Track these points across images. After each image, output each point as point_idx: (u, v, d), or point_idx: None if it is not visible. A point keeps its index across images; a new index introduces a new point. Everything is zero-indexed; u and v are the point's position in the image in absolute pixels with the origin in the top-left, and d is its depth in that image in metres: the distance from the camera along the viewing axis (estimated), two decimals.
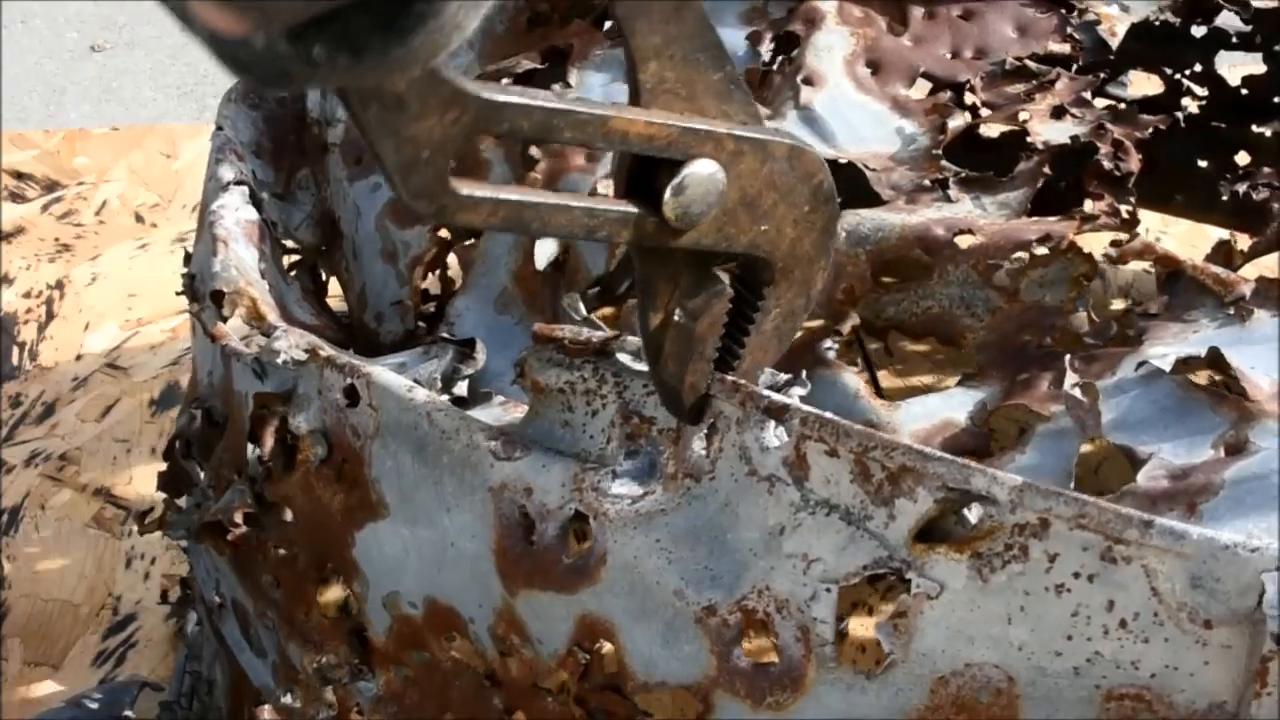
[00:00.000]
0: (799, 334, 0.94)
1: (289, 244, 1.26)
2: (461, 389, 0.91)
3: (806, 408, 0.73)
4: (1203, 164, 1.46)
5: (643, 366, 0.80)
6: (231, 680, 1.21)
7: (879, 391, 1.26)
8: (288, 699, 1.04)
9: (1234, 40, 1.30)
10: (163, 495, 1.16)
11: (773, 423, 0.74)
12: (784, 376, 0.77)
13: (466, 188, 0.60)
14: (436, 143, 0.57)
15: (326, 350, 0.90)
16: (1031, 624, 0.68)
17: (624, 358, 0.80)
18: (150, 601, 1.52)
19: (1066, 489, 0.77)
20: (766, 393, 0.75)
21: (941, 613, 0.69)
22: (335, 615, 0.96)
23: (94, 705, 1.14)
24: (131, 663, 1.45)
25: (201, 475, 1.09)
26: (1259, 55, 1.28)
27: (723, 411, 0.76)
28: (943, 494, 0.69)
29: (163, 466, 1.16)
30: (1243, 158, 1.44)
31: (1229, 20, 1.32)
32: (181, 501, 1.16)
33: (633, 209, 0.65)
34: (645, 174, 0.65)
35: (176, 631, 1.48)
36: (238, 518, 0.99)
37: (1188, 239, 1.78)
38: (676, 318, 0.71)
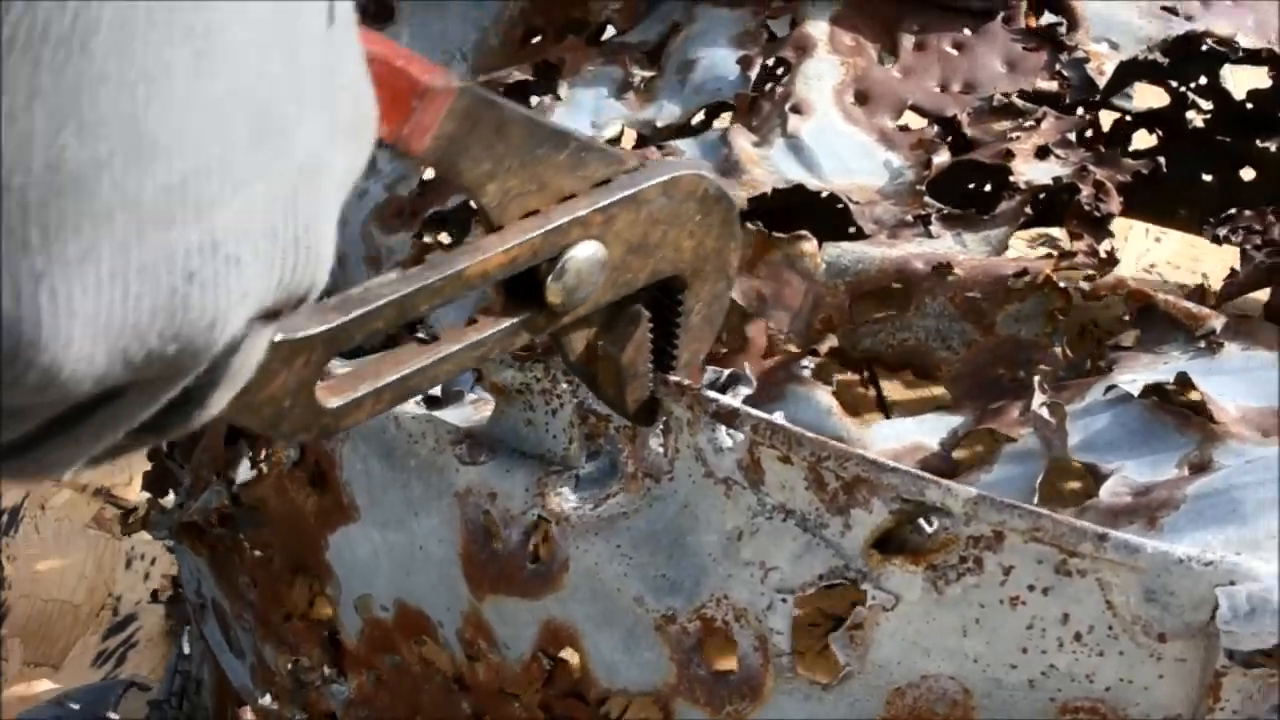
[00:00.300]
0: (778, 357, 0.95)
1: None
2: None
3: (757, 413, 0.73)
4: (1207, 178, 1.46)
5: None
6: (216, 680, 1.22)
7: (883, 404, 1.27)
8: (265, 700, 1.05)
9: (1239, 54, 1.30)
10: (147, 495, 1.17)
11: (723, 425, 0.75)
12: (726, 372, 0.77)
13: (337, 398, 0.59)
14: (294, 390, 0.56)
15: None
16: (987, 636, 0.68)
17: None
18: (169, 626, 1.52)
19: (1029, 503, 0.78)
20: (714, 395, 0.74)
21: (897, 624, 0.69)
22: (309, 618, 0.97)
23: (76, 705, 1.14)
24: (132, 663, 1.46)
25: (184, 475, 1.10)
26: (1264, 70, 1.28)
27: (673, 412, 0.76)
28: (898, 505, 0.69)
29: None
30: (1248, 173, 1.45)
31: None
32: (168, 500, 1.16)
33: (516, 319, 0.65)
34: (521, 276, 0.64)
35: (169, 630, 1.48)
36: (214, 518, 1.00)
37: (1183, 248, 1.77)
38: (600, 353, 0.71)
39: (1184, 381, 0.79)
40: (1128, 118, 1.48)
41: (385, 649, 0.90)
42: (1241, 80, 1.40)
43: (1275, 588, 0.61)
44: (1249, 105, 1.38)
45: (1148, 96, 1.49)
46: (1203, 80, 1.41)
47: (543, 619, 0.80)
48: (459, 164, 0.61)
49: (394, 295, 0.58)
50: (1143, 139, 1.51)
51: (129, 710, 1.30)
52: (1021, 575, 0.67)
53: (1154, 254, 1.80)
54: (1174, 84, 1.42)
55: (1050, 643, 0.66)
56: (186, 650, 1.30)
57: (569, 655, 0.80)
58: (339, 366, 0.60)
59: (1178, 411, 0.79)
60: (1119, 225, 1.60)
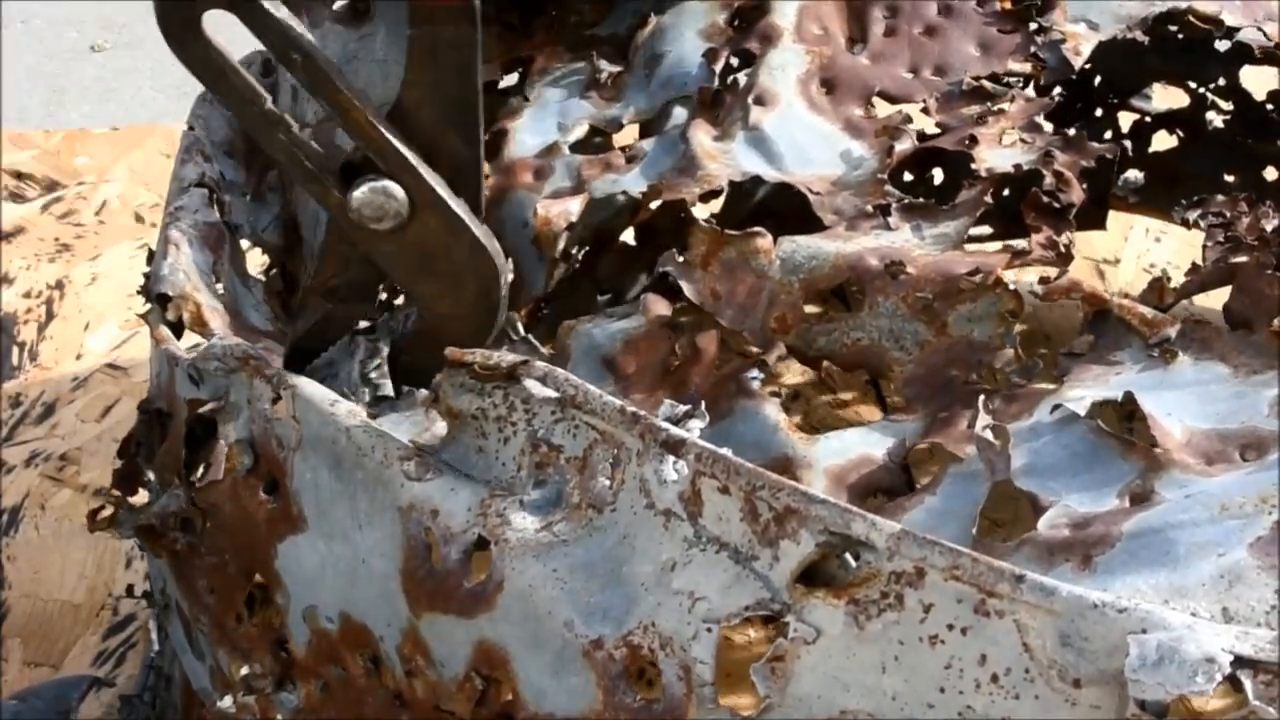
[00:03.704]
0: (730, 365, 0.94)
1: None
2: (386, 386, 0.91)
3: (702, 443, 0.73)
4: (1229, 179, 1.44)
5: (550, 393, 0.80)
6: (184, 678, 1.23)
7: (883, 404, 1.26)
8: (225, 703, 1.05)
9: (1258, 55, 1.27)
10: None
11: (671, 457, 0.74)
12: (683, 408, 0.76)
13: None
14: None
15: (257, 360, 0.90)
16: (905, 674, 0.67)
17: (531, 385, 0.80)
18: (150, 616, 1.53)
19: (968, 531, 0.77)
20: (665, 426, 0.75)
21: (818, 658, 0.69)
22: (261, 625, 0.97)
23: (39, 701, 1.16)
24: (131, 662, 1.46)
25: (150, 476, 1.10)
26: None
27: (624, 442, 0.76)
28: (824, 537, 0.68)
29: None
30: (1271, 173, 1.42)
31: (1252, 34, 1.30)
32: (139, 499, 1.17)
33: (331, 177, 0.81)
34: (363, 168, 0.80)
35: (150, 624, 1.49)
36: (172, 521, 1.00)
37: (1183, 248, 1.75)
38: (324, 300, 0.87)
39: (1130, 406, 0.78)
40: (1147, 119, 1.45)
41: (331, 660, 0.90)
42: (1260, 81, 1.38)
43: (1185, 638, 0.60)
44: (1269, 106, 1.35)
45: (1167, 98, 1.47)
46: (1222, 81, 1.38)
47: (476, 638, 0.79)
48: (415, 49, 0.79)
49: (304, 33, 0.78)
50: (1163, 140, 1.50)
51: (101, 707, 1.31)
52: (941, 614, 0.66)
53: (1154, 254, 1.78)
54: (1193, 85, 1.40)
55: (968, 683, 0.66)
56: (159, 648, 1.31)
57: (501, 676, 0.79)
58: None
59: (1122, 438, 0.77)
60: (1120, 225, 1.58)
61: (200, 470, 0.98)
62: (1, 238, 2.11)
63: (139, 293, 1.13)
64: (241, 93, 0.80)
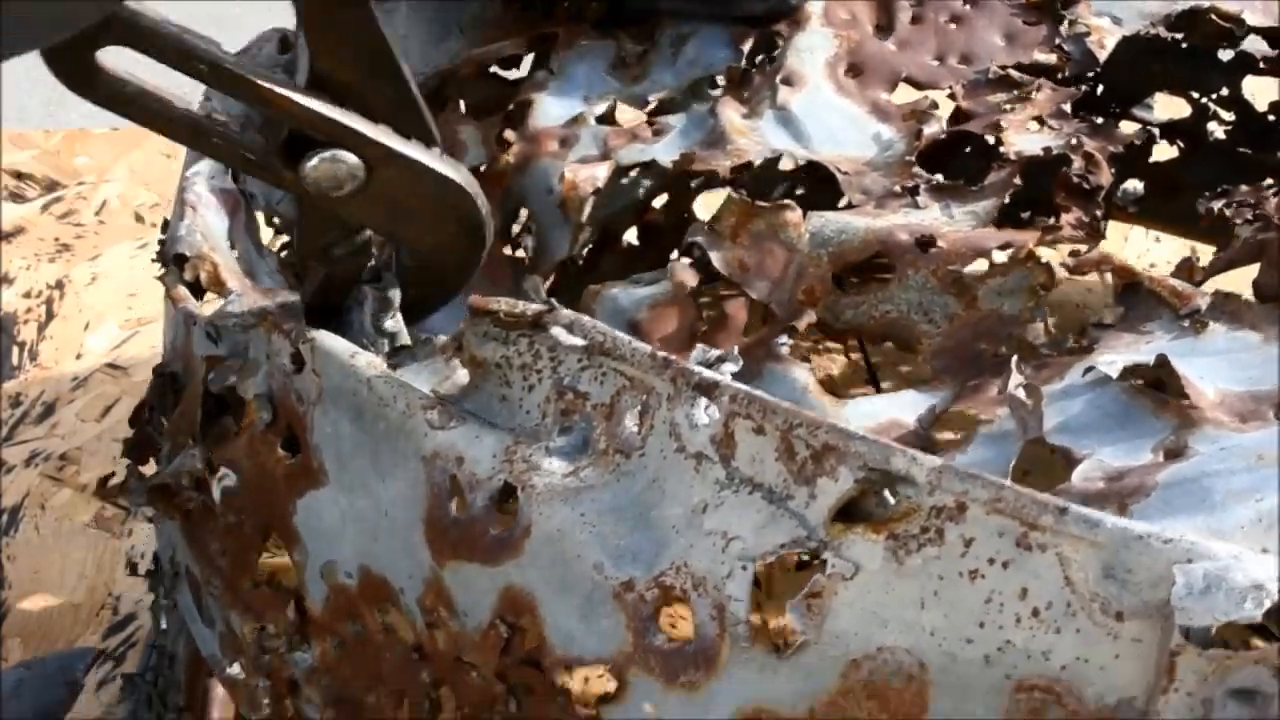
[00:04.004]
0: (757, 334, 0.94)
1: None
2: (403, 334, 0.91)
3: (736, 384, 0.73)
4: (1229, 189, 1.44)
5: (578, 340, 0.79)
6: (190, 654, 1.21)
7: (874, 380, 1.26)
8: (234, 669, 1.04)
9: (1261, 65, 1.28)
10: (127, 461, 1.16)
11: (704, 400, 0.74)
12: (715, 352, 0.76)
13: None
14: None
15: (275, 315, 0.90)
16: (945, 609, 0.66)
17: (558, 332, 0.80)
18: (151, 601, 1.52)
19: None
20: (698, 369, 0.74)
21: (856, 594, 0.68)
22: (276, 583, 0.96)
23: (45, 669, 1.14)
24: (132, 662, 1.44)
25: (163, 442, 1.09)
26: None
27: (654, 388, 0.76)
28: (864, 473, 0.68)
29: None
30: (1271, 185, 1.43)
31: (1255, 44, 1.31)
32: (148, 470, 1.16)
33: (278, 159, 0.80)
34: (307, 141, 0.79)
35: (151, 607, 1.47)
36: (187, 480, 0.99)
37: (1183, 247, 1.75)
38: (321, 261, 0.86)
39: (1163, 367, 0.78)
40: (1149, 129, 1.46)
41: (349, 616, 0.89)
42: (1262, 91, 1.39)
43: (1231, 566, 0.59)
44: (1271, 118, 1.36)
45: (1169, 108, 1.48)
46: (1224, 91, 1.39)
47: (502, 585, 0.79)
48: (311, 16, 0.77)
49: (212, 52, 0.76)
50: (1164, 151, 1.51)
51: (104, 689, 1.29)
52: (982, 548, 0.65)
53: (1154, 254, 1.79)
54: (1195, 95, 1.41)
55: (1008, 618, 0.65)
56: (164, 625, 1.29)
57: (527, 623, 0.78)
58: None
59: (1155, 395, 0.77)
60: (1120, 225, 1.59)
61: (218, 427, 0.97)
62: (1, 238, 2.10)
63: (156, 258, 1.13)
64: (160, 112, 0.80)
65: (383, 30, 0.78)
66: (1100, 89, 1.44)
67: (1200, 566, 0.60)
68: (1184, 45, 1.23)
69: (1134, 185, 1.52)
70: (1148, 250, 1.82)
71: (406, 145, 0.81)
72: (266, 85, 0.78)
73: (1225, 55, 1.30)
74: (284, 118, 0.79)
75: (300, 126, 0.79)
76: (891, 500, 0.68)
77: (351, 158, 0.80)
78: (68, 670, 1.12)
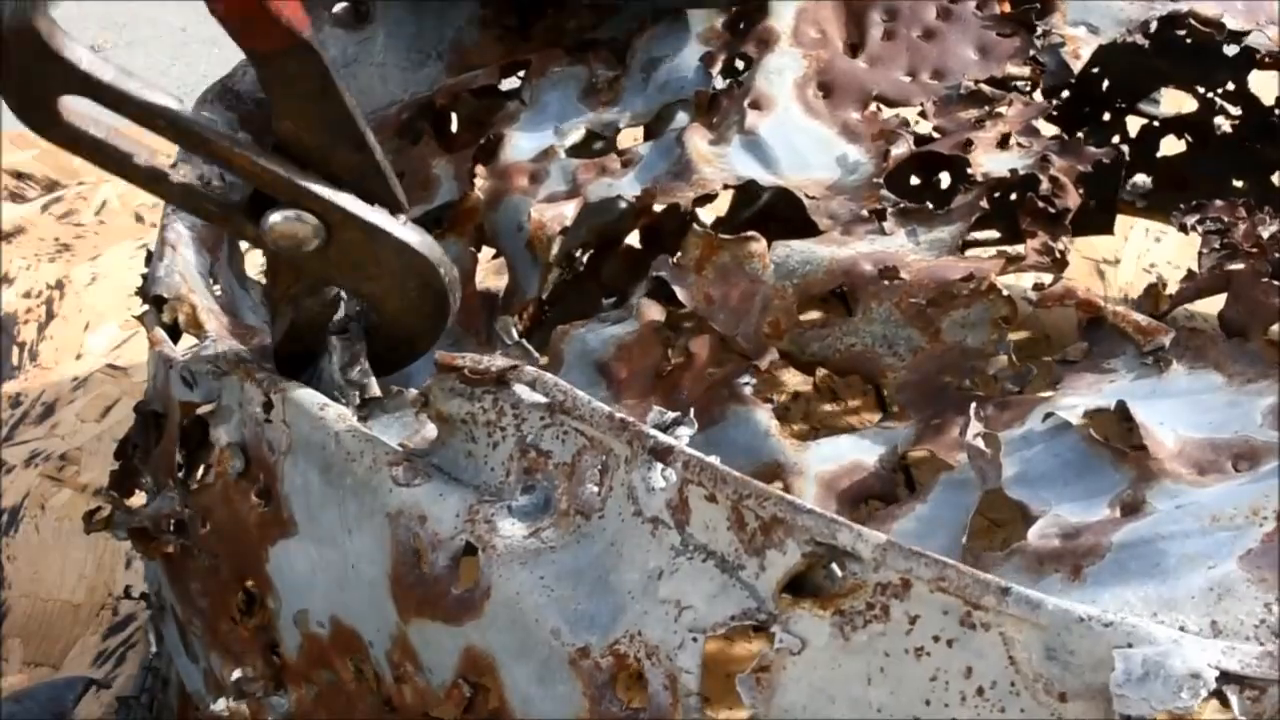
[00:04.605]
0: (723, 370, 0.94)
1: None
2: (372, 385, 0.91)
3: (690, 451, 0.73)
4: (1238, 184, 1.44)
5: (539, 398, 0.79)
6: (180, 680, 1.22)
7: (883, 406, 1.25)
8: (217, 706, 1.05)
9: (1265, 60, 1.27)
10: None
11: (659, 464, 0.74)
12: (671, 415, 0.76)
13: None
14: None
15: (249, 363, 0.90)
16: (891, 686, 0.66)
17: (520, 390, 0.80)
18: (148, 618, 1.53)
19: (958, 540, 0.77)
20: (653, 432, 0.74)
21: (804, 669, 0.68)
22: (253, 628, 0.97)
23: (33, 703, 1.15)
24: (131, 663, 1.46)
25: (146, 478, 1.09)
26: None
27: (612, 449, 0.76)
28: (810, 547, 0.68)
29: None
30: (1278, 178, 1.42)
31: (1259, 38, 1.29)
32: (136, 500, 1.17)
33: (239, 213, 0.81)
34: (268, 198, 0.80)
35: (147, 623, 1.49)
36: (166, 524, 1.00)
37: (1183, 247, 1.74)
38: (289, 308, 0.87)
39: (1123, 415, 0.77)
40: (1155, 124, 1.45)
41: (322, 665, 0.90)
42: (1268, 86, 1.37)
43: (1170, 652, 0.59)
44: (1278, 112, 1.34)
45: (1175, 102, 1.46)
46: (1230, 86, 1.37)
47: (463, 645, 0.79)
48: (273, 89, 0.76)
49: (159, 101, 0.77)
50: (1171, 144, 1.49)
51: (98, 708, 1.31)
52: (927, 625, 0.65)
53: (1154, 254, 1.77)
54: (1201, 90, 1.39)
55: (953, 696, 0.65)
56: (155, 649, 1.31)
57: (489, 682, 0.79)
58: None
59: (1113, 446, 0.77)
60: (1120, 225, 1.58)
61: (194, 473, 0.98)
62: (1, 238, 2.11)
63: (137, 293, 1.13)
64: (121, 160, 0.80)
65: (347, 98, 0.78)
66: (1105, 84, 1.44)
67: (1140, 652, 0.60)
68: (1188, 40, 1.22)
69: (1142, 180, 1.51)
70: (1148, 250, 1.80)
71: (369, 210, 0.80)
72: (226, 145, 0.79)
73: (1230, 50, 1.28)
74: (242, 175, 0.80)
75: (261, 187, 0.80)
76: (839, 573, 0.68)
77: (312, 218, 0.80)
78: (57, 701, 1.14)
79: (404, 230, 0.81)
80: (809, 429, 1.33)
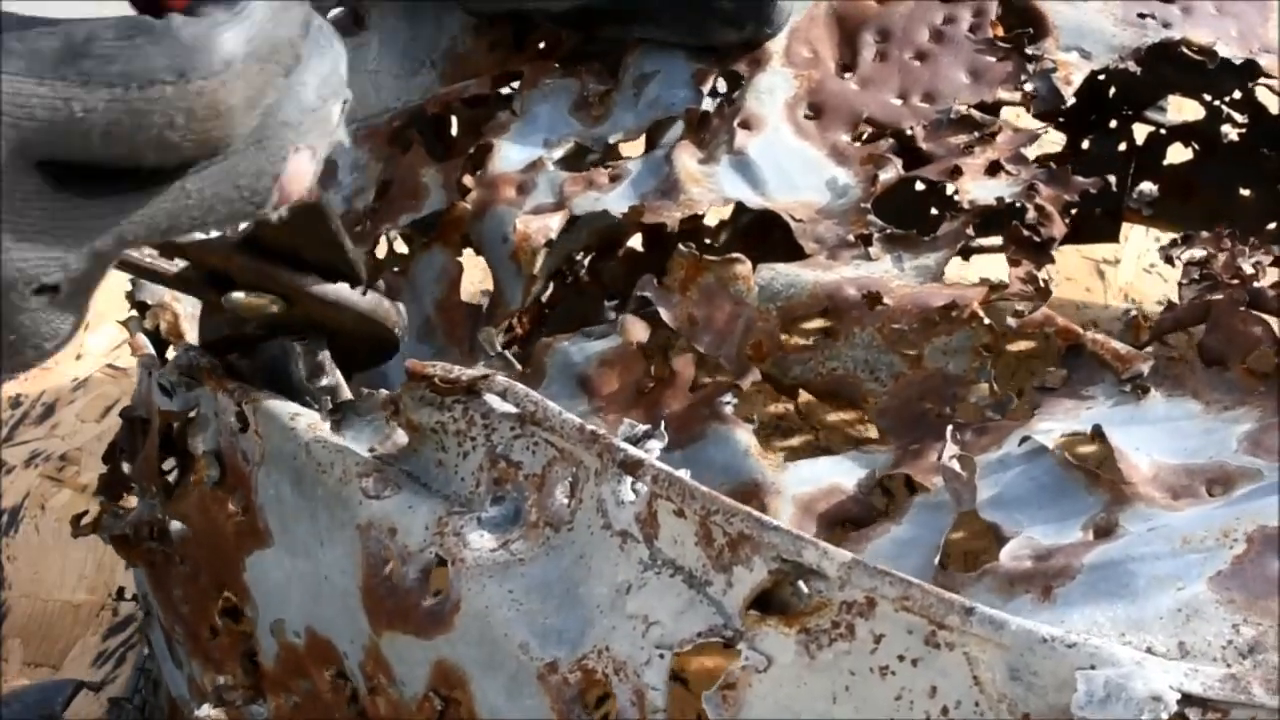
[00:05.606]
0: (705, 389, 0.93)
1: None
2: (343, 389, 0.91)
3: (659, 465, 0.73)
4: (1245, 193, 1.44)
5: (510, 409, 0.80)
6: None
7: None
8: (201, 713, 1.05)
9: (1217, 64, 1.26)
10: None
11: (629, 477, 0.74)
12: (642, 428, 0.76)
13: None
14: None
15: (222, 373, 0.90)
16: (856, 704, 0.66)
17: (491, 399, 0.80)
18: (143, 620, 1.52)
19: (932, 561, 0.77)
20: (623, 445, 0.74)
21: (769, 687, 0.68)
22: (232, 636, 0.97)
23: (20, 705, 1.15)
24: (131, 663, 1.46)
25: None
26: None
27: (583, 461, 0.76)
28: (777, 564, 0.68)
29: None
30: None
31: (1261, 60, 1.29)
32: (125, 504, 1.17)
33: (199, 285, 0.82)
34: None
35: (139, 626, 1.49)
36: (147, 531, 1.00)
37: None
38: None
39: (1098, 439, 0.77)
40: (1162, 131, 1.45)
41: (299, 674, 0.90)
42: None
43: (1133, 674, 0.59)
44: None
45: (1182, 110, 1.46)
46: (1237, 95, 1.37)
47: (434, 659, 0.79)
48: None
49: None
50: (1178, 153, 1.49)
51: (91, 709, 1.31)
52: (892, 644, 0.65)
53: (1154, 254, 1.76)
54: (1208, 98, 1.39)
55: (918, 715, 0.65)
56: (147, 651, 1.31)
57: (460, 696, 0.79)
58: None
59: (1088, 469, 0.76)
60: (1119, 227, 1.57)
61: (175, 479, 0.98)
62: None
63: (125, 298, 1.13)
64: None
65: (338, 231, 0.80)
66: (1112, 91, 1.44)
67: (1102, 674, 0.60)
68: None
69: (1149, 187, 1.51)
70: (1147, 250, 1.79)
71: (330, 289, 0.83)
72: (196, 247, 0.77)
73: (1237, 59, 1.28)
74: (209, 266, 0.81)
75: (229, 273, 0.81)
76: (806, 591, 0.68)
77: (260, 300, 0.82)
78: (45, 704, 1.14)
79: (364, 300, 0.85)
80: (813, 438, 1.33)
